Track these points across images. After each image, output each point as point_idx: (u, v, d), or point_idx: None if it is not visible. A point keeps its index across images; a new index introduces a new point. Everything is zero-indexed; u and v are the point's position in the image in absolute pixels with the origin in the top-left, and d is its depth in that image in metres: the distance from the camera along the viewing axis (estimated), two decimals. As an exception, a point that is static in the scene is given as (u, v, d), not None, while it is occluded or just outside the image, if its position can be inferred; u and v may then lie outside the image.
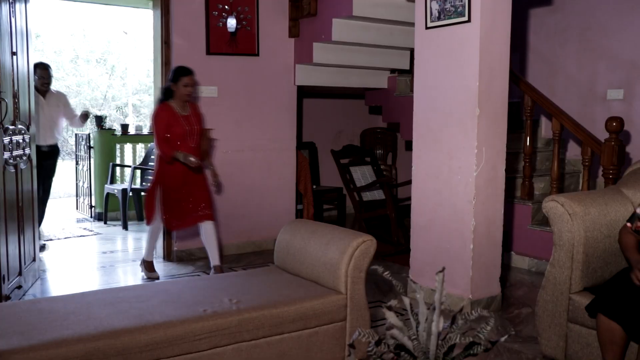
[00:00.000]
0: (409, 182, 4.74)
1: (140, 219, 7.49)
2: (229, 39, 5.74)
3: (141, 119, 15.48)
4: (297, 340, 2.98)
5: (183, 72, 4.83)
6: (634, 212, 3.10)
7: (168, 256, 5.74)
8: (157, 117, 4.84)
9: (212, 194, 5.17)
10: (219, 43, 5.73)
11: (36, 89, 5.64)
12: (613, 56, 5.94)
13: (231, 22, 5.65)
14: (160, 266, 5.47)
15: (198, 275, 5.16)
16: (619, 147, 4.67)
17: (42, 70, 6.04)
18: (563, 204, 3.19)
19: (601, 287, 3.00)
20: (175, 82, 4.82)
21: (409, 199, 4.71)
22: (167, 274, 5.25)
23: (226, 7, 5.70)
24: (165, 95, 4.89)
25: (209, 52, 5.68)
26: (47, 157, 6.06)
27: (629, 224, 3.04)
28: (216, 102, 5.78)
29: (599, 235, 3.17)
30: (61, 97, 6.34)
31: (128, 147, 8.34)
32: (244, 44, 5.84)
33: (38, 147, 5.24)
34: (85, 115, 6.41)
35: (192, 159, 4.71)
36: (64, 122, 6.40)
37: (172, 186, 4.85)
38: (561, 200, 3.21)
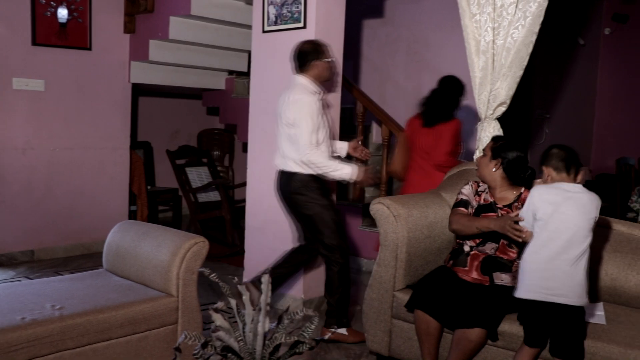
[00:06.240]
0: (245, 183, 4.77)
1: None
2: (58, 30, 5.43)
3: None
4: (126, 345, 2.89)
5: None
6: (460, 199, 3.27)
7: (-15, 261, 5.33)
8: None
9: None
10: (47, 34, 5.40)
11: None
12: (435, 68, 6.36)
13: (62, 12, 5.36)
14: (-25, 272, 5.06)
15: (19, 280, 4.83)
16: (441, 154, 4.99)
17: None
18: (389, 206, 3.35)
19: (417, 285, 3.21)
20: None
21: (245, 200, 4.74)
22: (-16, 280, 4.86)
23: (55, -5, 5.40)
24: None
25: (35, 42, 5.34)
26: None
27: (462, 209, 3.23)
28: (43, 97, 5.45)
29: (420, 236, 3.37)
30: None
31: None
32: (75, 36, 5.56)
33: None
34: None
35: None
36: None
37: None
38: (387, 202, 3.37)
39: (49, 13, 5.37)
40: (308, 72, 3.81)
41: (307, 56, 3.81)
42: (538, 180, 2.95)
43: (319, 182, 3.81)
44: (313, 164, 3.71)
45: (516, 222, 2.86)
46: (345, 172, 3.74)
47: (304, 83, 3.80)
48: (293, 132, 3.71)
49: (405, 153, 4.54)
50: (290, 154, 3.78)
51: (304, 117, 3.67)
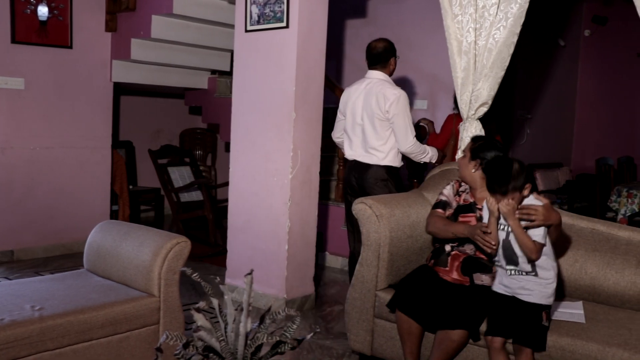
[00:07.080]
0: (228, 183, 4.76)
1: None
2: (38, 28, 5.38)
3: None
4: (107, 346, 2.87)
5: None
6: (440, 200, 3.26)
7: (-37, 261, 5.27)
8: None
9: None
10: (27, 31, 5.35)
11: None
12: (419, 69, 6.40)
13: (42, 10, 5.30)
14: (-47, 272, 4.99)
15: (-2, 281, 4.78)
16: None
17: None
18: (371, 206, 3.35)
19: (399, 284, 3.22)
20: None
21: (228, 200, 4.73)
22: (-38, 281, 4.80)
23: (35, -7, 5.35)
24: None
25: (14, 40, 5.28)
26: None
27: (440, 210, 3.22)
28: (23, 95, 5.39)
29: (403, 235, 3.38)
30: None
31: None
32: (55, 34, 5.51)
33: None
34: None
35: None
36: None
37: None
38: (369, 202, 3.38)
39: (28, 11, 5.32)
40: (385, 69, 4.07)
41: (388, 53, 4.08)
42: (500, 201, 2.74)
43: (395, 179, 4.03)
44: (414, 152, 4.03)
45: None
46: (431, 155, 4.13)
47: (386, 79, 4.04)
48: (391, 125, 3.92)
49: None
50: (380, 147, 3.98)
51: (406, 110, 3.94)
